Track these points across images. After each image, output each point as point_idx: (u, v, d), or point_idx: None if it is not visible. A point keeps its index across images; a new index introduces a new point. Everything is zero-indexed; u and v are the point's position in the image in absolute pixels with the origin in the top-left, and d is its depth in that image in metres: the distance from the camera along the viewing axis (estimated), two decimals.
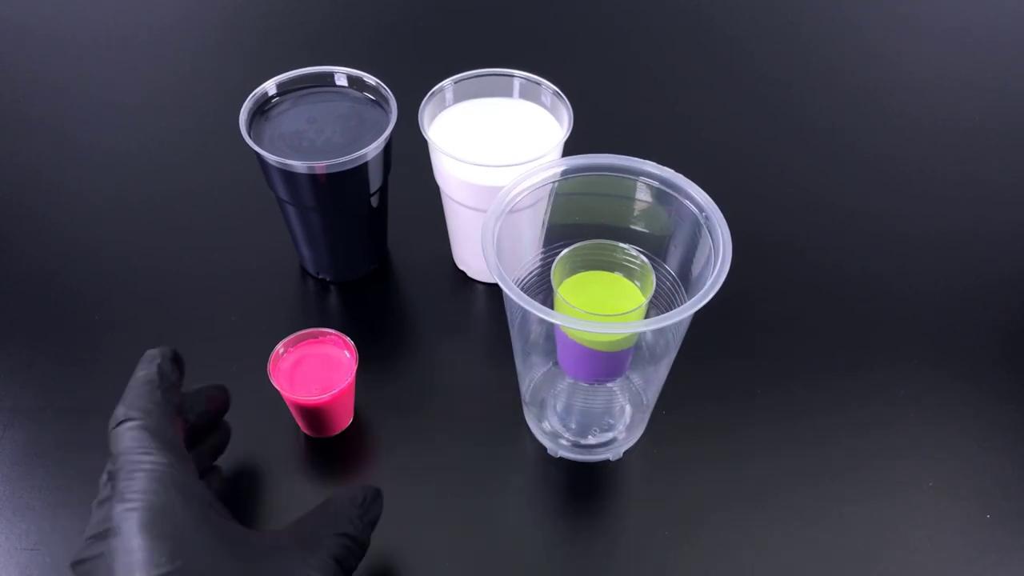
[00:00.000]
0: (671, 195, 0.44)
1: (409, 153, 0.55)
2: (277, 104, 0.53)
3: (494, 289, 0.58)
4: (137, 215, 0.63)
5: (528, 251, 0.58)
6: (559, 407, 0.50)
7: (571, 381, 0.48)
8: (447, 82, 0.53)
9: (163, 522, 0.32)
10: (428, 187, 0.55)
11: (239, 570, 0.33)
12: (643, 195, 0.45)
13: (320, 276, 0.58)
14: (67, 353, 0.54)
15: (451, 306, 0.58)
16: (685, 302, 0.38)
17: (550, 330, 0.47)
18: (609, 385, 0.49)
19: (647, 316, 0.43)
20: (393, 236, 0.60)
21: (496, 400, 0.51)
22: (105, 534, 0.32)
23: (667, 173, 0.44)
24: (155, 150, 0.68)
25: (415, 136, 0.51)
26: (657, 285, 0.44)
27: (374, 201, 0.55)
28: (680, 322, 0.39)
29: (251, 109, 0.52)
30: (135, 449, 0.34)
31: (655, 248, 0.45)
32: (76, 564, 0.32)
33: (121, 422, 0.35)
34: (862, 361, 0.54)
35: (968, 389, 0.53)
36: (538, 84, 0.54)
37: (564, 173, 0.45)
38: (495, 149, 0.52)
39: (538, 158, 0.49)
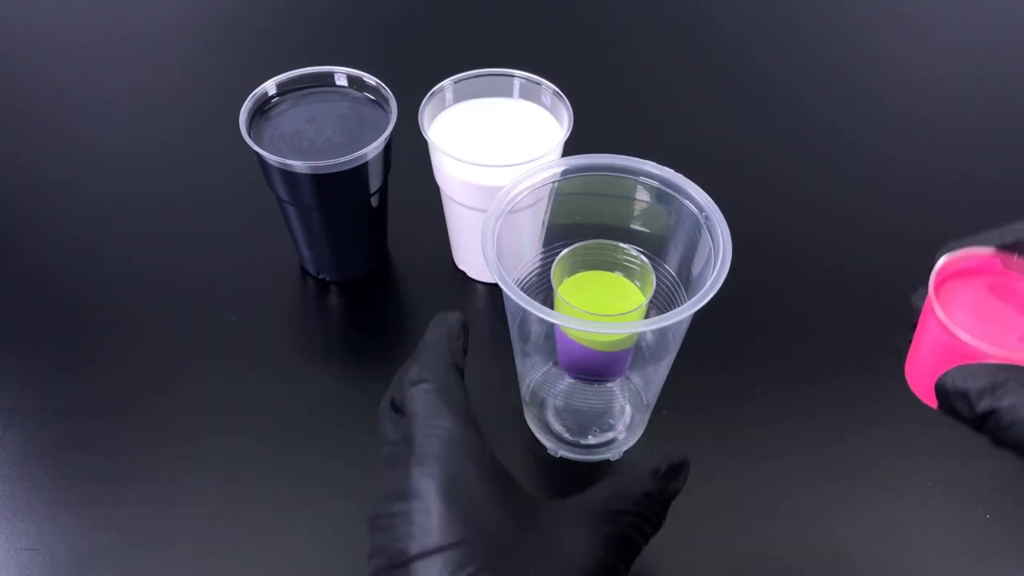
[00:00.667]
0: (671, 195, 0.44)
1: (409, 153, 0.55)
2: (277, 104, 0.53)
3: (494, 289, 0.58)
4: (137, 215, 0.63)
5: (528, 251, 0.58)
6: (559, 407, 0.50)
7: (571, 381, 0.48)
8: (447, 82, 0.53)
9: (459, 490, 0.31)
10: (428, 187, 0.55)
11: (525, 544, 0.32)
12: (643, 195, 0.45)
13: (320, 276, 0.58)
14: (67, 353, 0.54)
15: (450, 306, 0.58)
16: (685, 302, 0.38)
17: (550, 330, 0.47)
18: (609, 385, 0.49)
19: (647, 316, 0.43)
20: (393, 236, 0.60)
21: (496, 400, 0.51)
22: (404, 495, 0.31)
23: (667, 173, 0.44)
24: (155, 150, 0.68)
25: (415, 136, 0.51)
26: (657, 285, 0.44)
27: (374, 201, 0.55)
28: (680, 322, 0.39)
29: (251, 109, 0.52)
30: (429, 412, 0.33)
31: (655, 248, 0.45)
32: (375, 519, 0.32)
33: (416, 383, 0.35)
34: (862, 361, 0.54)
35: None
36: (538, 84, 0.54)
37: (564, 173, 0.45)
38: (495, 149, 0.52)
39: (538, 158, 0.49)
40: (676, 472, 0.36)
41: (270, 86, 0.53)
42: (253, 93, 0.52)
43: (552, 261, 0.45)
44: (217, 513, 0.47)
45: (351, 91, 0.54)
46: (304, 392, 0.52)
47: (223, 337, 0.55)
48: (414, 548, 0.30)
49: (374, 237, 0.58)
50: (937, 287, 0.34)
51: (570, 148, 0.52)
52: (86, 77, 0.76)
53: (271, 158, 0.49)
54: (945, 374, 0.30)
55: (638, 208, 0.45)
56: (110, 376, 0.53)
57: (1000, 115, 0.72)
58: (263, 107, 0.53)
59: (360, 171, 0.51)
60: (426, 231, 0.60)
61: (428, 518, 0.31)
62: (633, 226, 0.46)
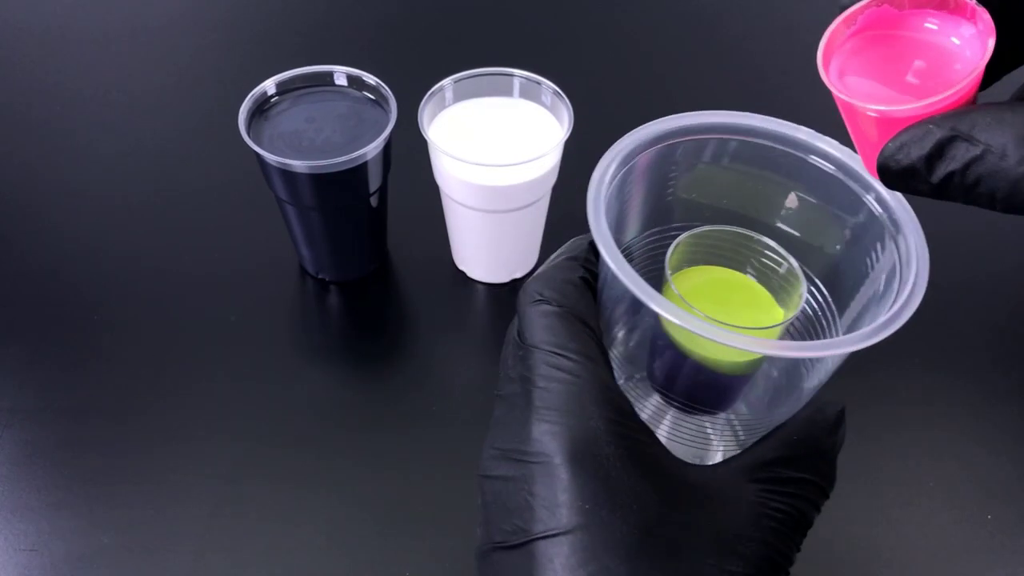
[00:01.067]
0: (847, 185, 0.32)
1: (409, 153, 0.55)
2: (276, 104, 0.53)
3: (494, 289, 0.58)
4: (136, 215, 0.63)
5: (528, 251, 0.58)
6: None
7: (659, 403, 0.36)
8: (447, 81, 0.53)
9: (588, 453, 0.25)
10: (428, 187, 0.55)
11: (672, 523, 0.25)
12: (808, 178, 0.33)
13: (320, 276, 0.58)
14: (66, 353, 0.54)
15: (450, 306, 0.58)
16: (835, 328, 0.30)
17: (643, 331, 0.35)
18: (704, 418, 0.36)
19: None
20: (393, 236, 0.60)
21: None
22: (522, 455, 0.26)
23: (846, 156, 0.32)
24: (154, 150, 0.68)
25: (415, 136, 0.51)
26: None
27: (374, 201, 0.55)
28: (837, 355, 0.28)
29: (250, 109, 0.52)
30: (551, 345, 0.27)
31: (804, 249, 0.33)
32: (488, 478, 0.27)
33: (535, 301, 0.28)
34: (863, 362, 0.54)
35: (969, 390, 0.53)
36: (538, 84, 0.54)
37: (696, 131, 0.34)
38: (495, 149, 0.52)
39: (538, 158, 0.49)
40: (839, 422, 0.30)
41: (269, 85, 0.53)
42: (252, 92, 0.52)
43: (658, 246, 0.33)
44: (216, 513, 0.47)
45: (351, 90, 0.54)
46: (303, 392, 0.52)
47: (222, 337, 0.55)
48: (536, 527, 0.25)
49: (374, 237, 0.58)
50: (827, 62, 0.26)
51: (570, 148, 0.52)
52: (85, 76, 0.76)
53: (270, 158, 0.49)
54: (882, 153, 0.25)
55: (797, 195, 0.34)
56: (109, 376, 0.53)
57: None
58: (262, 106, 0.53)
59: (360, 171, 0.51)
60: (426, 231, 0.60)
61: (552, 489, 0.25)
62: (781, 218, 0.34)
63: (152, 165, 0.67)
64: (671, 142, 0.33)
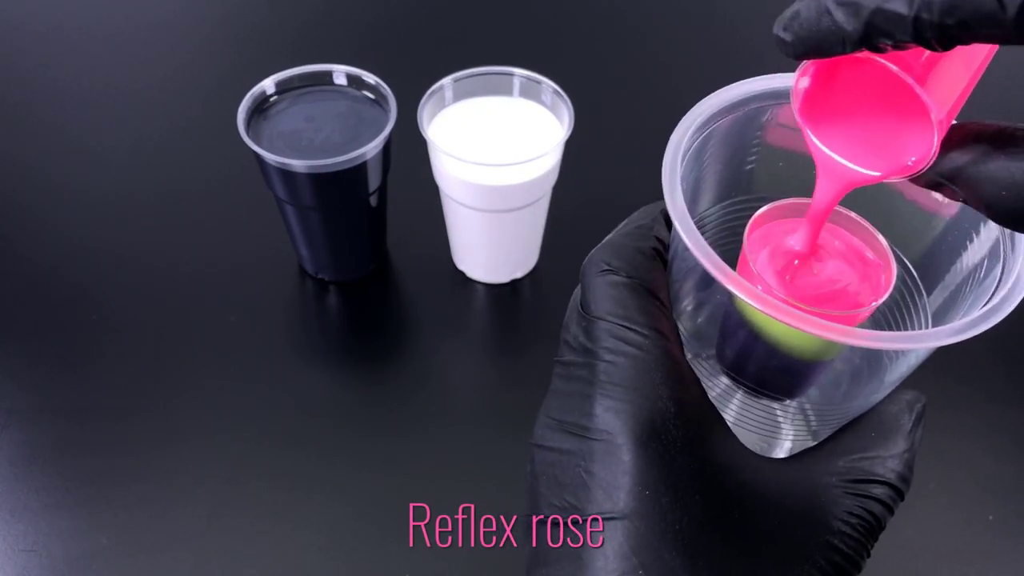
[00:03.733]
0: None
1: (409, 153, 0.55)
2: (276, 103, 0.53)
3: (493, 289, 0.58)
4: (135, 215, 0.63)
5: (528, 251, 0.58)
6: None
7: (728, 384, 0.33)
8: (446, 81, 0.53)
9: (653, 435, 0.24)
10: (428, 187, 0.55)
11: (729, 511, 0.24)
12: None
13: (319, 276, 0.58)
14: (65, 353, 0.54)
15: (450, 306, 0.58)
16: (923, 311, 0.27)
17: (714, 307, 0.32)
18: (775, 404, 0.33)
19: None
20: (392, 236, 0.59)
21: (496, 400, 0.51)
22: (582, 430, 0.24)
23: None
24: (153, 149, 0.68)
25: (415, 135, 0.51)
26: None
27: (373, 201, 0.54)
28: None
29: (249, 108, 0.51)
30: (618, 318, 0.25)
31: (896, 222, 0.30)
32: (541, 448, 0.25)
33: (603, 271, 0.26)
34: None
35: (970, 391, 0.53)
36: (538, 83, 0.53)
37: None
38: (495, 148, 0.52)
39: (538, 157, 0.49)
40: (919, 420, 0.27)
41: (268, 85, 0.53)
42: (251, 92, 0.52)
43: (734, 217, 0.31)
44: (215, 514, 0.46)
45: (350, 90, 0.54)
46: (303, 392, 0.52)
47: (221, 337, 0.55)
48: (591, 507, 0.23)
49: (373, 237, 0.57)
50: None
51: (571, 148, 0.52)
52: (83, 75, 0.76)
53: (270, 157, 0.49)
54: None
55: None
56: (108, 377, 0.53)
57: (1002, 115, 0.72)
58: (261, 106, 0.52)
59: (359, 170, 0.50)
60: (425, 231, 0.60)
61: (611, 470, 0.23)
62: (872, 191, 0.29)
63: (151, 165, 0.67)
64: (757, 105, 0.31)
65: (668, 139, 0.28)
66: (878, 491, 0.25)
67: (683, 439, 0.24)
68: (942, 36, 0.19)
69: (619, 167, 0.65)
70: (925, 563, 0.45)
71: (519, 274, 0.58)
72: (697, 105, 0.29)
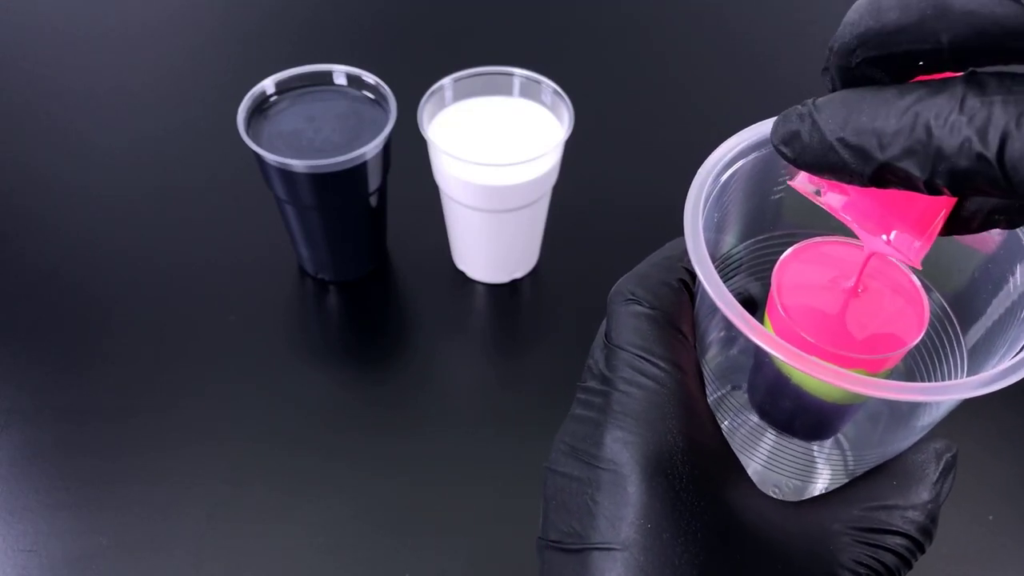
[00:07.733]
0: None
1: (409, 153, 0.55)
2: (276, 103, 0.53)
3: (493, 289, 0.58)
4: (135, 215, 0.63)
5: (528, 251, 0.58)
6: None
7: (757, 423, 0.32)
8: (446, 80, 0.53)
9: (660, 470, 0.23)
10: (428, 187, 0.55)
11: (746, 564, 0.23)
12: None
13: (319, 276, 0.58)
14: (65, 354, 0.54)
15: (450, 306, 0.58)
16: (958, 350, 0.26)
17: (742, 344, 0.31)
18: (811, 445, 0.32)
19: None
20: (392, 236, 0.59)
21: (496, 400, 0.51)
22: (592, 458, 0.24)
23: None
24: (153, 149, 0.68)
25: (414, 135, 0.51)
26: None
27: (373, 201, 0.54)
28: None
29: (249, 108, 0.51)
30: (637, 348, 0.25)
31: (934, 266, 0.27)
32: (554, 472, 0.25)
33: (627, 300, 0.26)
34: None
35: None
36: (538, 83, 0.53)
37: None
38: (495, 148, 0.52)
39: (538, 157, 0.49)
40: (948, 471, 0.27)
41: (268, 85, 0.53)
42: (251, 92, 0.52)
43: (764, 252, 0.30)
44: (214, 514, 0.46)
45: (350, 90, 0.54)
46: (302, 393, 0.52)
47: (221, 338, 0.55)
48: (594, 536, 0.23)
49: (373, 237, 0.57)
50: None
51: (571, 148, 0.52)
52: (83, 75, 0.76)
53: (270, 157, 0.49)
54: None
55: None
56: (108, 377, 0.53)
57: None
58: (261, 106, 0.52)
59: (359, 170, 0.50)
60: (425, 231, 0.60)
61: (615, 502, 0.23)
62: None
63: (151, 164, 0.67)
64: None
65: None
66: (893, 542, 0.25)
67: (690, 476, 0.24)
68: (954, 193, 0.19)
69: (619, 167, 0.65)
70: (925, 563, 0.45)
71: (519, 274, 0.58)
72: (721, 146, 0.28)
